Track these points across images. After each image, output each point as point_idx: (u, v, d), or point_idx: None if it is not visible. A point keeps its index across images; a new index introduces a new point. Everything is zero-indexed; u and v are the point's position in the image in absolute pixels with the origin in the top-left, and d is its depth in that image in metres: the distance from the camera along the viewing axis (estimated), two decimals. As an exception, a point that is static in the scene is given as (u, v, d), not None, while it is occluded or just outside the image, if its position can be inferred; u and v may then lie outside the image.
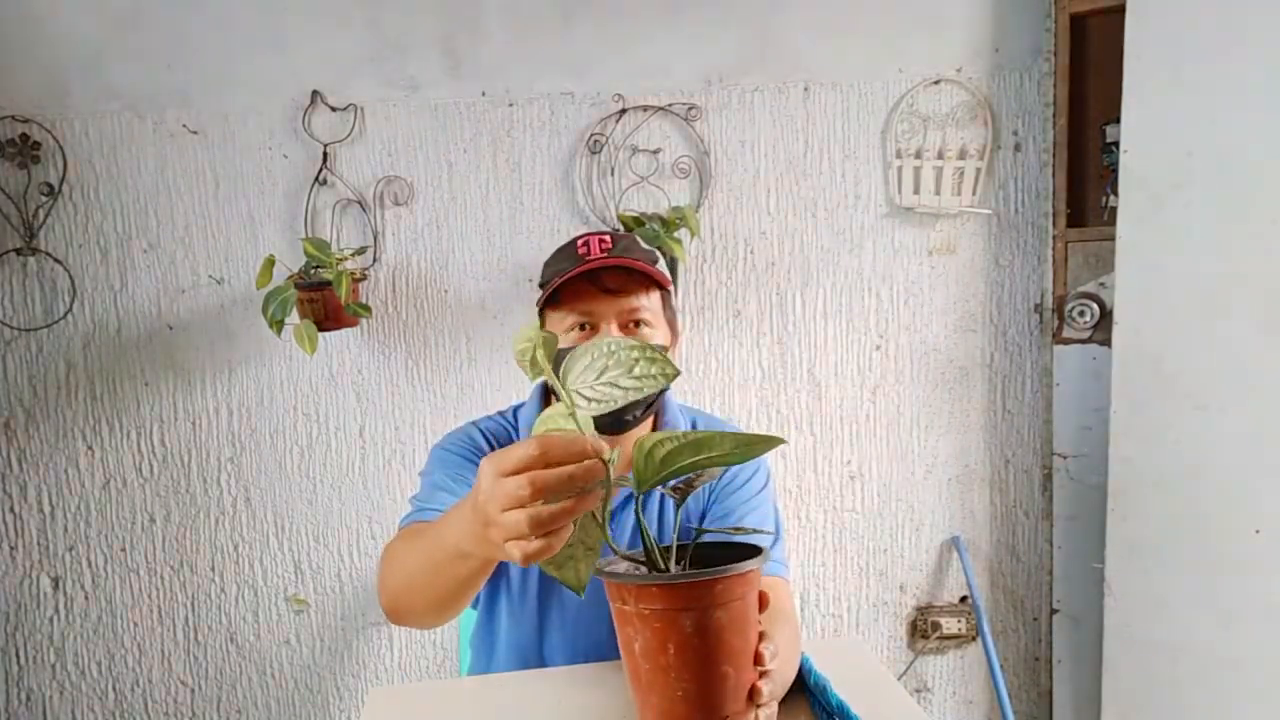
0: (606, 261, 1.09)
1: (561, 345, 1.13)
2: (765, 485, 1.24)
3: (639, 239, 1.19)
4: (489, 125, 1.91)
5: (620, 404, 0.67)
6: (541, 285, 1.18)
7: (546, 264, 1.19)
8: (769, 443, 0.67)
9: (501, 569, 1.20)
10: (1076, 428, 1.94)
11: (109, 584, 1.96)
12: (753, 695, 0.73)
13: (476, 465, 1.10)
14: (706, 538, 0.80)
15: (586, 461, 0.65)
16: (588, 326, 1.12)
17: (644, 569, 0.74)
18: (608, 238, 1.14)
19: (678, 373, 0.70)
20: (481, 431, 1.22)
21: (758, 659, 0.74)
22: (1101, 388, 1.82)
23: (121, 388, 1.92)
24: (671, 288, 1.19)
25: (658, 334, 1.14)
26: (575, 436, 0.65)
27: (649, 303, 1.13)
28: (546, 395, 1.26)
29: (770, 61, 1.94)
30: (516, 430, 1.23)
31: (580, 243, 1.14)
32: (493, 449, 1.17)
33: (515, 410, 1.27)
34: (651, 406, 1.17)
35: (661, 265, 1.18)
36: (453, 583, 0.90)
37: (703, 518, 1.22)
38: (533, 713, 1.02)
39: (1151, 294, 1.70)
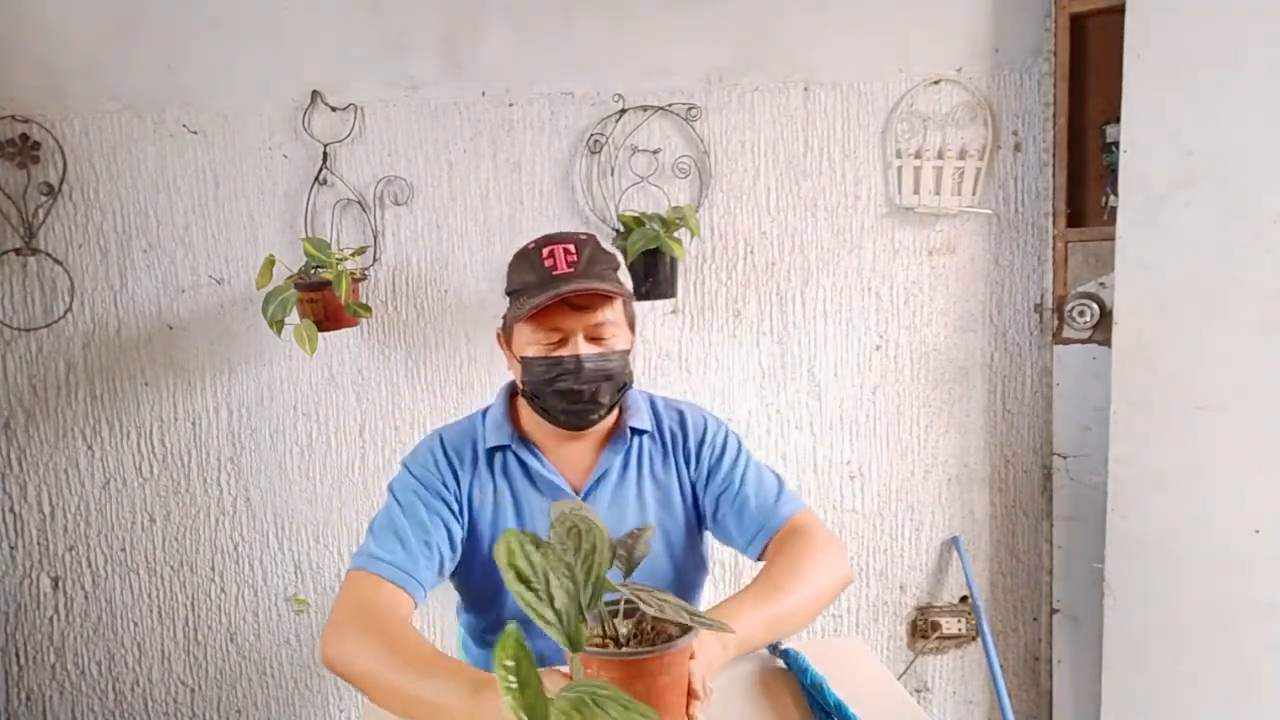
0: (577, 291, 1.11)
1: (530, 354, 1.16)
2: (739, 446, 1.29)
3: (600, 242, 1.21)
4: (489, 125, 1.91)
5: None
6: (508, 293, 1.21)
7: (511, 269, 1.21)
8: None
9: (489, 569, 1.21)
10: (1076, 428, 1.94)
11: (109, 584, 1.96)
12: None
13: (434, 496, 1.17)
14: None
15: None
16: (556, 338, 1.16)
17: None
18: (571, 246, 1.16)
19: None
20: (444, 446, 1.24)
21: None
22: (1101, 388, 1.82)
23: (121, 388, 1.92)
24: (631, 294, 1.23)
25: (620, 339, 1.19)
26: None
27: (612, 314, 1.17)
28: (511, 397, 1.28)
29: (770, 61, 1.94)
30: (483, 435, 1.24)
31: (545, 253, 1.16)
32: (450, 463, 1.21)
33: (484, 413, 1.28)
34: (615, 404, 1.20)
35: (622, 269, 1.22)
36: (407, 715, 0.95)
37: (704, 510, 1.27)
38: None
39: (1151, 294, 1.70)
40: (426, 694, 0.91)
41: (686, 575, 1.28)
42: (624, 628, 0.87)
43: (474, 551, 1.22)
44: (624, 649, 0.84)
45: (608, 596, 0.82)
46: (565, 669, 0.84)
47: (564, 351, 1.15)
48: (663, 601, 0.80)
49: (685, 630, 0.85)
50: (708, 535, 1.33)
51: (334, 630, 1.05)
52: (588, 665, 0.83)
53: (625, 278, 1.21)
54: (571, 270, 1.13)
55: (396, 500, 1.19)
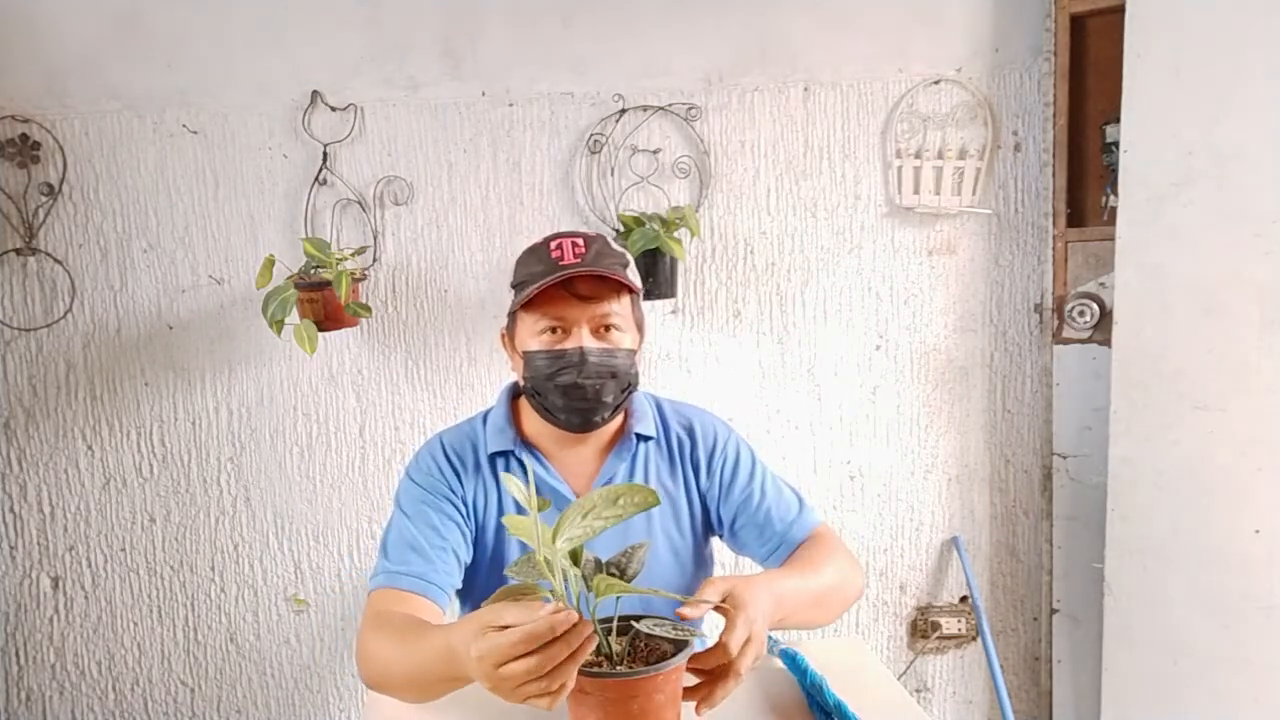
0: (581, 272, 1.09)
1: (533, 347, 1.14)
2: (753, 457, 1.28)
3: (610, 240, 1.19)
4: (489, 125, 1.91)
5: (599, 532, 0.78)
6: (514, 286, 1.19)
7: (519, 263, 1.19)
8: None
9: (493, 577, 1.20)
10: (1076, 428, 1.94)
11: (109, 584, 1.96)
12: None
13: (442, 500, 1.16)
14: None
15: (574, 633, 0.73)
16: (559, 330, 1.13)
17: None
18: (580, 241, 1.13)
19: (657, 501, 0.79)
20: (444, 449, 1.21)
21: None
22: (1101, 388, 1.82)
23: (121, 388, 1.92)
24: (640, 290, 1.20)
25: (626, 337, 1.16)
26: (558, 617, 0.72)
27: (619, 308, 1.14)
28: (513, 398, 1.26)
29: (770, 61, 1.94)
30: (484, 438, 1.22)
31: (553, 245, 1.13)
32: (453, 466, 1.19)
33: (485, 416, 1.26)
34: (620, 406, 1.18)
35: (631, 268, 1.20)
36: (441, 691, 0.96)
37: (720, 521, 1.26)
38: (531, 712, 1.02)
39: (1151, 294, 1.70)
40: (427, 654, 0.88)
41: (693, 583, 1.27)
42: (618, 645, 0.86)
43: (478, 558, 1.20)
44: (619, 668, 0.84)
45: (600, 614, 0.82)
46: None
47: (567, 344, 1.12)
48: (659, 623, 0.82)
49: (679, 648, 0.85)
50: (712, 541, 1.32)
51: (358, 650, 1.03)
52: (581, 686, 0.82)
53: (635, 278, 1.19)
54: (578, 261, 1.11)
55: (404, 511, 1.16)
